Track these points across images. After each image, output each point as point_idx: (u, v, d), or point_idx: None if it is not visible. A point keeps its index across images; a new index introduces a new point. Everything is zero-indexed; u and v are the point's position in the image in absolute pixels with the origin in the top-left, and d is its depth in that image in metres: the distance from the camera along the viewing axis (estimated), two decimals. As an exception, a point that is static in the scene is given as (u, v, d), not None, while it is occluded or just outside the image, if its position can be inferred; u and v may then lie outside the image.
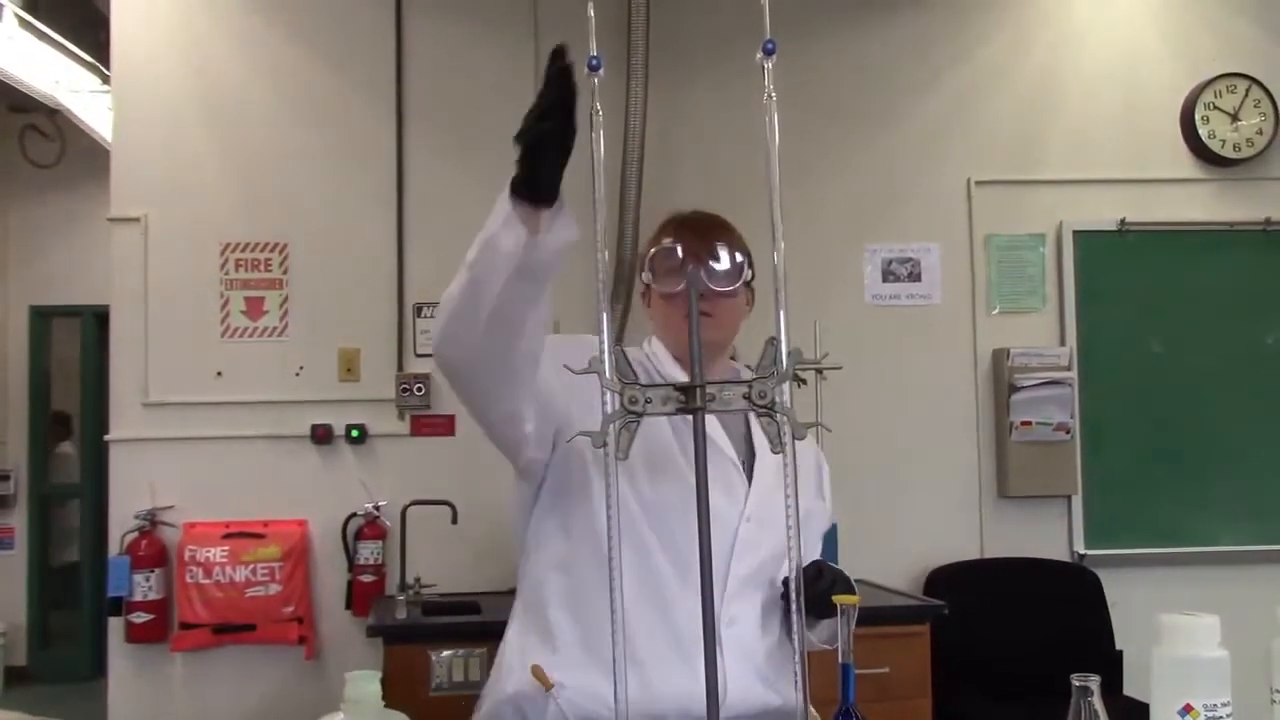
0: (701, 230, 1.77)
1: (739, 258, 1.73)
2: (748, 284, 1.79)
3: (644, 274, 1.79)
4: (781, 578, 1.72)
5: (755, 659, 1.71)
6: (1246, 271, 4.42)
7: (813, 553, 1.87)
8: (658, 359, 1.82)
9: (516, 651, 1.76)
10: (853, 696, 1.34)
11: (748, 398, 1.15)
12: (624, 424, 1.13)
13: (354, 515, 4.01)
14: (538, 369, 1.60)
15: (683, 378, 1.65)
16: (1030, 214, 4.39)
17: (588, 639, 1.66)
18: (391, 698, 1.33)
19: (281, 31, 4.13)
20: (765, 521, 1.73)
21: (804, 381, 3.98)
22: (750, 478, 1.77)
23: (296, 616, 3.93)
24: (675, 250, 1.73)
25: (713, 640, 1.11)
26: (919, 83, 4.39)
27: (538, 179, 1.40)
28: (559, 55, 1.30)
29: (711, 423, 1.73)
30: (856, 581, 4.09)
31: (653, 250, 1.77)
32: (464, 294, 1.50)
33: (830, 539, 3.70)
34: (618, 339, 1.57)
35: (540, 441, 1.70)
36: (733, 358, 2.02)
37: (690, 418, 1.14)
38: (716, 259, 1.70)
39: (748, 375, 1.72)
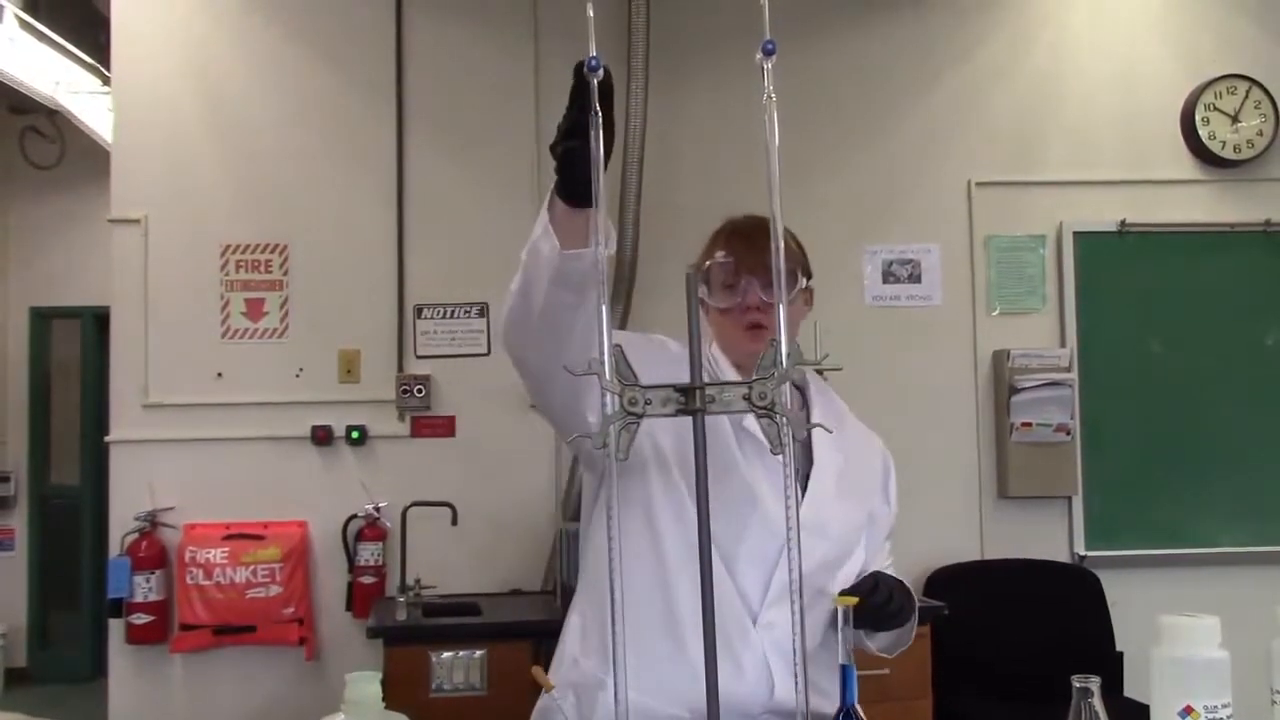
0: (753, 240, 1.76)
1: (794, 271, 1.75)
2: (803, 289, 1.80)
3: (701, 288, 1.78)
4: (836, 590, 1.70)
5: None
6: (1247, 273, 4.42)
7: (877, 560, 1.85)
8: (718, 364, 1.82)
9: (576, 640, 1.78)
10: (853, 697, 1.34)
11: (748, 399, 1.15)
12: (624, 425, 1.13)
13: (354, 516, 4.01)
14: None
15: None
16: (1030, 215, 4.39)
17: (639, 630, 1.66)
18: (392, 699, 1.33)
19: (282, 32, 4.13)
20: (818, 530, 1.72)
21: (804, 382, 3.97)
22: (806, 486, 1.77)
23: (297, 618, 3.93)
24: (730, 264, 1.75)
25: (713, 643, 1.11)
26: (919, 83, 4.39)
27: (569, 186, 1.42)
28: (580, 69, 1.29)
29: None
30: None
31: (707, 264, 1.77)
32: (518, 291, 1.55)
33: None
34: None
35: None
36: None
37: (749, 419, 1.13)
38: (770, 271, 1.70)
39: (815, 381, 1.72)
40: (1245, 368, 4.40)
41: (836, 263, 4.27)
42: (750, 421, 1.58)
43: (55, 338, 7.44)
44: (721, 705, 1.61)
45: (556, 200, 1.44)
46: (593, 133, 1.21)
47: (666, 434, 1.70)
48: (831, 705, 1.72)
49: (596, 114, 1.21)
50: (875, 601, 1.61)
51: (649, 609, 1.66)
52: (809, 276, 1.83)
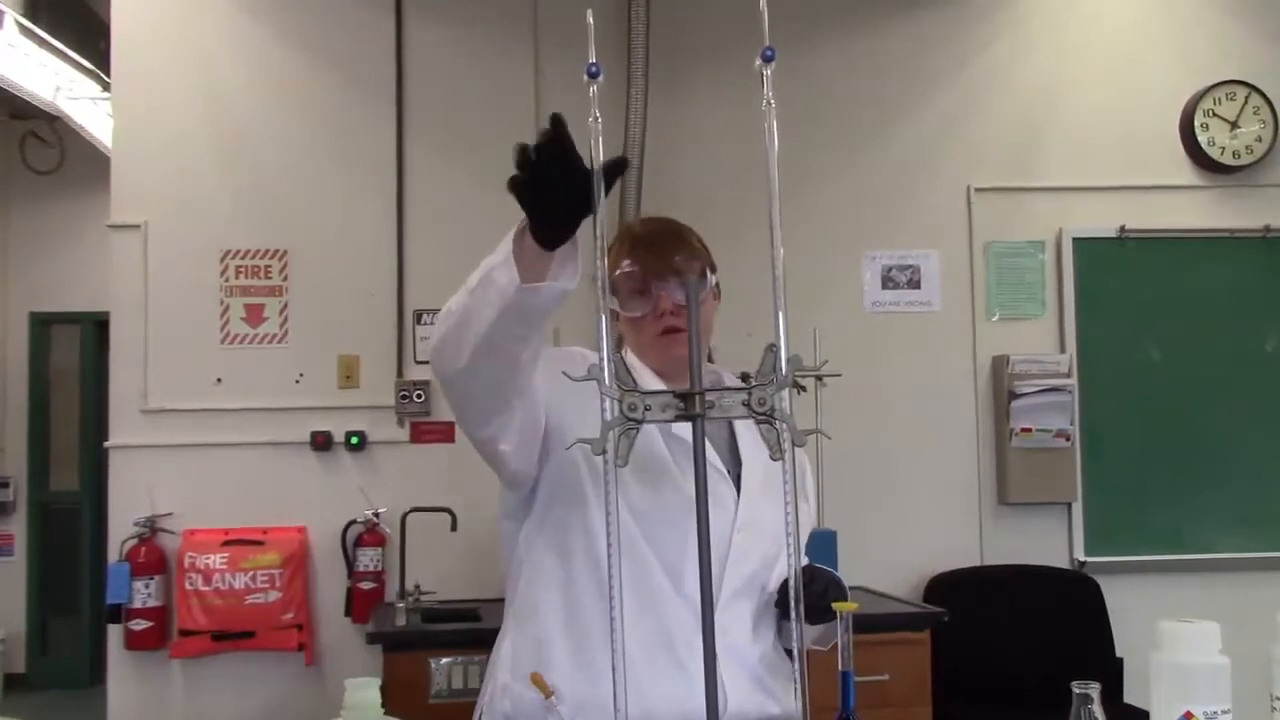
0: (659, 249, 1.76)
1: (704, 269, 1.74)
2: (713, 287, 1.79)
3: (609, 297, 1.74)
4: (773, 585, 1.72)
5: (751, 667, 1.71)
6: (1246, 278, 4.41)
7: (801, 556, 1.86)
8: (638, 372, 1.81)
9: (509, 668, 1.74)
10: (853, 704, 1.33)
11: (747, 404, 1.15)
12: (623, 431, 1.13)
13: (353, 522, 4.01)
14: (525, 398, 1.61)
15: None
16: (1030, 221, 4.39)
17: (583, 652, 1.66)
18: (391, 705, 1.33)
19: (282, 37, 4.13)
20: (756, 530, 1.73)
21: (803, 389, 3.98)
22: (739, 487, 1.76)
23: (296, 623, 3.92)
24: (636, 272, 1.73)
25: (712, 649, 1.11)
26: (918, 89, 4.39)
27: (546, 232, 1.38)
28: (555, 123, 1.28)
29: None
30: (855, 588, 4.08)
31: (615, 273, 1.75)
32: (459, 316, 1.50)
33: (829, 546, 3.70)
34: (616, 347, 1.55)
35: (523, 457, 1.69)
36: (709, 359, 2.00)
37: (679, 426, 1.13)
38: (679, 274, 1.70)
39: (730, 378, 1.71)
40: (1245, 373, 4.39)
41: (835, 268, 4.28)
42: (680, 426, 1.55)
43: (55, 343, 7.45)
44: (673, 719, 1.60)
45: (527, 235, 1.40)
46: (593, 141, 1.22)
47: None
48: (782, 708, 1.72)
49: (596, 119, 1.22)
50: (814, 591, 1.59)
51: (589, 627, 1.65)
52: (715, 271, 1.80)
